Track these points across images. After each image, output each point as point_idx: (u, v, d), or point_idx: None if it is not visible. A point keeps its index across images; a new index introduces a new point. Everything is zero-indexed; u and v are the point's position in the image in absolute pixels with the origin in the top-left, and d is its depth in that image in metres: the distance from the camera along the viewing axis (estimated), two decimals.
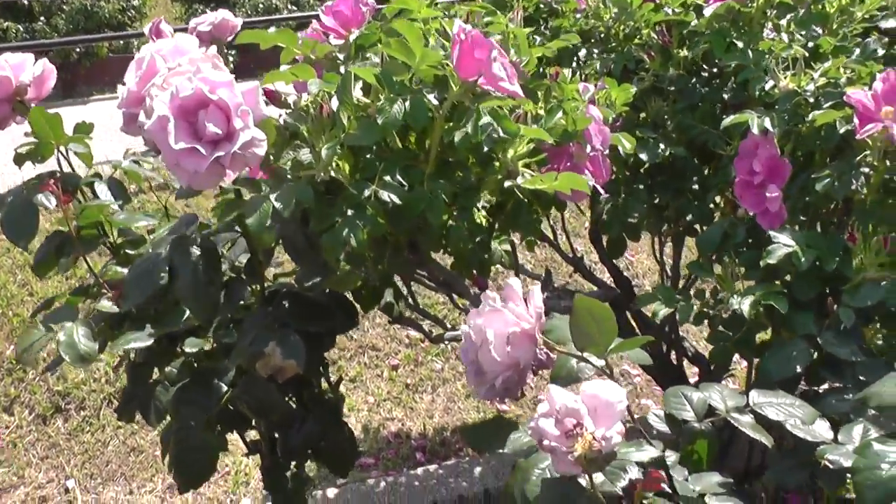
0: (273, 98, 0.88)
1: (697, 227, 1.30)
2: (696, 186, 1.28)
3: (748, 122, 1.03)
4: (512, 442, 0.68)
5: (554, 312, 0.75)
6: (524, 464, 0.66)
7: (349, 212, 0.80)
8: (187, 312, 0.91)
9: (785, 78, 1.09)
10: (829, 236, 0.99)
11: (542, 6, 1.40)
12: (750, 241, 1.09)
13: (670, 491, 0.68)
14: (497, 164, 0.86)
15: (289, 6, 6.09)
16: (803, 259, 0.94)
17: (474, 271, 0.97)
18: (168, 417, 0.99)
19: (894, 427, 0.70)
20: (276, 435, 1.05)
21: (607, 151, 0.97)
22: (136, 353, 1.01)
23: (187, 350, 0.95)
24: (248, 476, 1.93)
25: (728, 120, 1.06)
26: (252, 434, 1.11)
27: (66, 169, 1.01)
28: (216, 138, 0.73)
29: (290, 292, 0.95)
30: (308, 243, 0.82)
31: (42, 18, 5.83)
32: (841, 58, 1.08)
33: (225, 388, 0.94)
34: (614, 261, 1.51)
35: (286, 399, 1.00)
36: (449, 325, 1.33)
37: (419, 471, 1.63)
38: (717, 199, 1.26)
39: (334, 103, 0.81)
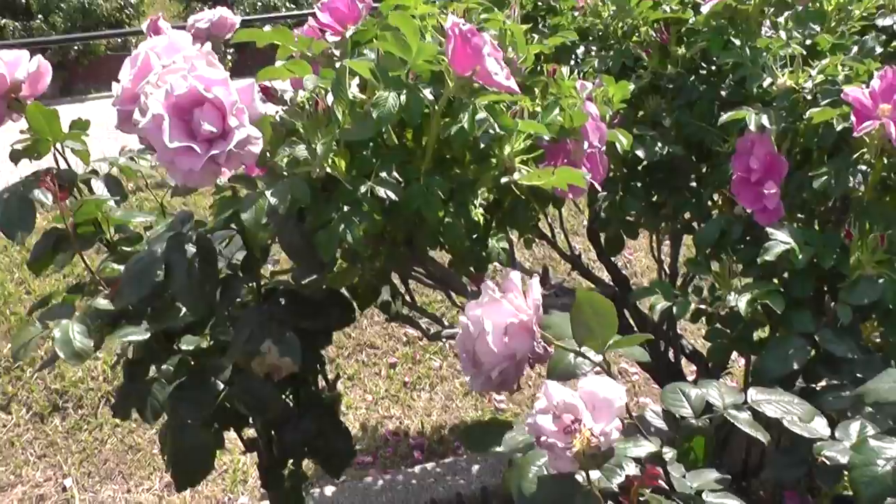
0: (269, 95, 0.87)
1: (695, 224, 1.30)
2: (693, 184, 1.28)
3: (745, 120, 1.04)
4: (508, 439, 0.68)
5: (552, 309, 0.75)
6: (521, 461, 0.66)
7: (345, 208, 0.79)
8: (184, 310, 0.90)
9: (782, 75, 1.09)
10: (827, 233, 0.99)
11: (539, 4, 1.40)
12: (747, 238, 1.09)
13: (667, 488, 0.68)
14: (494, 160, 0.86)
15: (287, 4, 6.09)
16: (800, 256, 0.94)
17: (471, 268, 0.97)
18: (165, 415, 0.99)
19: (891, 424, 0.70)
20: (273, 433, 1.05)
21: (604, 148, 0.97)
22: (132, 351, 1.00)
23: (184, 348, 0.95)
24: (245, 474, 1.93)
25: (725, 117, 1.06)
26: (249, 432, 1.11)
27: (63, 166, 1.00)
28: (211, 136, 0.73)
29: (287, 290, 0.95)
30: (304, 240, 0.81)
31: (39, 16, 5.82)
32: (838, 55, 1.08)
33: (221, 385, 0.94)
34: (612, 259, 1.51)
35: (282, 397, 1.00)
36: (447, 323, 1.33)
37: (417, 469, 1.64)
38: (715, 196, 1.26)
39: (330, 99, 0.81)
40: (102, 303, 0.94)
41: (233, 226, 0.89)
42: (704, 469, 0.72)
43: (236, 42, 1.01)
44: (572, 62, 1.31)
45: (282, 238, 0.84)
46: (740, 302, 0.95)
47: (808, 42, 1.14)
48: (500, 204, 0.95)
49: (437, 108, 0.82)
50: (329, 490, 1.58)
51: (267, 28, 0.92)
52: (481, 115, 0.81)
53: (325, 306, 0.94)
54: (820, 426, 0.72)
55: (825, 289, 1.04)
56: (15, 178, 0.98)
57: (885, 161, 0.98)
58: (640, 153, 1.16)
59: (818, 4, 1.19)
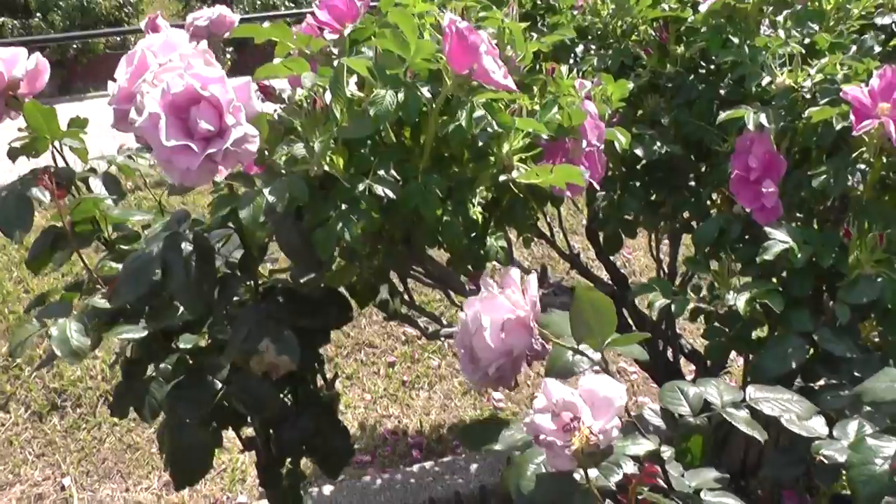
0: (267, 93, 0.87)
1: (694, 223, 1.30)
2: (692, 183, 1.28)
3: (744, 118, 1.03)
4: (506, 438, 0.68)
5: (551, 308, 0.75)
6: (519, 459, 0.66)
7: (343, 206, 0.79)
8: (182, 309, 0.90)
9: (781, 74, 1.09)
10: (826, 233, 0.99)
11: (538, 2, 1.40)
12: (746, 237, 1.09)
13: (666, 486, 0.68)
14: (492, 158, 0.86)
15: (286, 3, 6.08)
16: (799, 255, 0.94)
17: (469, 267, 0.97)
18: (163, 414, 0.99)
19: (888, 422, 0.70)
20: (271, 431, 1.04)
21: (603, 147, 0.97)
22: (130, 350, 1.00)
23: (182, 346, 0.95)
24: (244, 473, 1.93)
25: (723, 115, 1.06)
26: (248, 431, 1.11)
27: (62, 164, 1.00)
28: (208, 135, 0.72)
29: (285, 288, 0.95)
30: (302, 239, 0.81)
31: (38, 14, 5.82)
32: (837, 54, 1.08)
33: (219, 384, 0.94)
34: (611, 258, 1.51)
35: (281, 396, 1.00)
36: (445, 322, 1.33)
37: (415, 468, 1.63)
38: (714, 195, 1.26)
39: (328, 97, 0.81)
40: (100, 301, 0.94)
41: (230, 224, 0.89)
42: (703, 468, 0.72)
43: (236, 41, 1.01)
44: (571, 61, 1.31)
45: (279, 236, 0.84)
46: (739, 301, 0.94)
47: (807, 41, 1.14)
48: (498, 202, 0.95)
49: (434, 106, 0.82)
50: (327, 489, 1.58)
51: (266, 25, 0.92)
52: (479, 113, 0.81)
53: (324, 305, 0.94)
54: (818, 425, 0.72)
55: (824, 288, 1.04)
56: (13, 177, 0.97)
57: (884, 160, 0.98)
58: (638, 152, 1.16)
59: (817, 3, 1.19)
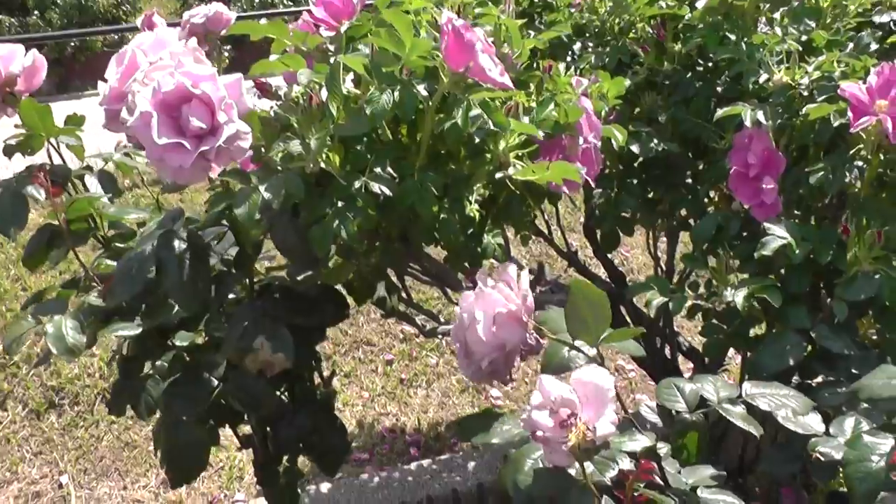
0: (264, 89, 0.87)
1: (691, 221, 1.30)
2: (689, 180, 1.28)
3: (741, 115, 1.03)
4: (503, 433, 0.68)
5: (548, 305, 0.75)
6: (516, 455, 0.66)
7: (339, 203, 0.79)
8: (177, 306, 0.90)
9: (779, 71, 1.08)
10: (824, 229, 0.99)
11: (536, 0, 1.40)
12: (744, 234, 1.09)
13: (662, 483, 0.68)
14: (488, 155, 0.86)
15: (285, 1, 6.08)
16: (797, 251, 0.94)
17: (466, 264, 0.97)
18: (159, 412, 0.99)
19: (885, 419, 0.70)
20: (268, 429, 1.04)
21: (599, 144, 0.96)
22: (127, 347, 1.00)
23: (178, 344, 0.95)
24: (242, 471, 1.92)
25: (721, 112, 1.06)
26: (245, 428, 1.11)
27: (58, 161, 1.00)
28: (200, 132, 0.72)
29: (280, 286, 0.94)
30: (297, 236, 0.81)
31: (36, 12, 5.81)
32: (835, 52, 1.08)
33: (216, 382, 0.94)
34: (609, 256, 1.51)
35: (277, 393, 1.00)
36: (443, 320, 1.32)
37: (413, 466, 1.63)
38: (711, 193, 1.26)
39: (324, 94, 0.80)
40: (96, 299, 0.94)
41: (224, 222, 0.88)
42: (700, 465, 0.72)
43: (234, 38, 1.01)
44: (569, 59, 1.31)
45: (275, 234, 0.84)
46: (737, 297, 0.94)
47: (804, 38, 1.14)
48: (495, 199, 0.95)
49: (431, 103, 0.82)
50: (325, 487, 1.57)
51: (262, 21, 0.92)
52: (475, 111, 0.81)
53: (320, 302, 0.94)
54: (814, 422, 0.72)
55: (821, 285, 1.04)
56: (9, 174, 0.97)
57: (882, 157, 0.98)
58: (635, 149, 1.16)
59: (813, 1, 1.19)
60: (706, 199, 1.25)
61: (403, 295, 1.17)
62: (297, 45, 0.92)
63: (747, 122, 1.02)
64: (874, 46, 1.11)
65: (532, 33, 1.27)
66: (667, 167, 1.25)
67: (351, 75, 0.85)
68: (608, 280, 1.51)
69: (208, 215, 0.84)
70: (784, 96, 1.06)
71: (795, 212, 1.12)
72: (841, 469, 0.67)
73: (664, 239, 1.50)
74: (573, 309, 0.62)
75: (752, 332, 1.05)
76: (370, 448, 2.01)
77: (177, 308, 0.89)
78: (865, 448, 0.64)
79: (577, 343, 0.65)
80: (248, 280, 0.95)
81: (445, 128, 0.81)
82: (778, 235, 0.96)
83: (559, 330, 0.66)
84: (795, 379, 0.96)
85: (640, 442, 0.66)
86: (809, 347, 0.94)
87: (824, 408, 0.78)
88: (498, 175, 0.85)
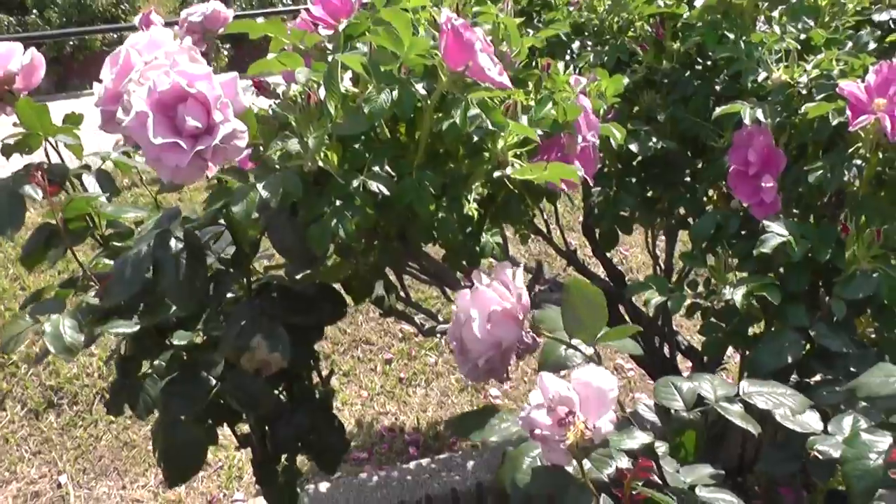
0: (262, 88, 0.87)
1: (690, 220, 1.30)
2: (687, 179, 1.28)
3: (740, 113, 1.03)
4: (501, 431, 0.68)
5: (546, 304, 0.75)
6: (514, 453, 0.66)
7: (337, 202, 0.79)
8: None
9: (777, 70, 1.08)
10: (823, 228, 0.99)
11: None
12: (743, 232, 1.09)
13: (660, 482, 0.68)
14: (487, 154, 0.86)
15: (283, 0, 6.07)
16: (796, 249, 0.94)
17: (465, 263, 0.97)
18: (157, 411, 0.99)
19: (883, 417, 0.70)
20: (267, 428, 1.04)
21: (598, 142, 0.96)
22: (125, 346, 1.00)
23: (176, 343, 0.95)
24: (241, 471, 1.92)
25: (720, 110, 1.06)
26: (244, 427, 1.11)
27: (56, 160, 1.00)
28: (196, 132, 0.72)
29: (278, 285, 0.94)
30: (295, 235, 0.81)
31: (34, 11, 5.80)
32: (833, 50, 1.08)
33: (214, 381, 0.94)
34: (608, 255, 1.51)
35: (275, 392, 1.00)
36: (441, 319, 1.32)
37: (412, 465, 1.63)
38: (710, 191, 1.25)
39: (322, 93, 0.80)
40: (94, 298, 0.94)
41: (221, 221, 0.88)
42: (698, 464, 0.72)
43: (233, 37, 1.01)
44: (568, 57, 1.31)
45: (272, 233, 0.84)
46: (736, 295, 0.94)
47: (803, 37, 1.14)
48: (493, 198, 0.94)
49: (429, 102, 0.81)
50: (324, 486, 1.57)
51: (259, 20, 0.91)
52: (473, 111, 0.81)
53: (317, 301, 0.94)
54: (812, 420, 0.72)
55: (820, 283, 1.04)
56: (7, 174, 0.97)
57: (881, 155, 0.98)
58: (633, 148, 1.16)
59: None
60: (705, 198, 1.25)
61: (402, 294, 1.17)
62: (295, 44, 0.92)
63: (747, 121, 1.02)
64: (873, 45, 1.11)
65: (531, 32, 1.27)
66: (665, 165, 1.25)
67: (349, 74, 0.85)
68: (607, 279, 1.51)
69: (205, 214, 0.84)
70: (783, 95, 1.06)
71: (794, 210, 1.11)
72: (839, 467, 0.67)
73: (663, 237, 1.50)
74: (569, 307, 0.62)
75: (750, 331, 1.05)
76: (369, 447, 2.01)
77: (175, 307, 0.89)
78: (863, 446, 0.64)
79: (574, 341, 0.65)
80: (245, 279, 0.95)
81: (444, 127, 0.81)
82: (777, 233, 0.96)
83: (556, 328, 0.66)
84: (794, 377, 0.96)
85: (638, 440, 0.66)
86: (808, 346, 0.94)
87: (823, 406, 0.78)
88: (496, 174, 0.85)
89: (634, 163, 1.27)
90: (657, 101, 1.24)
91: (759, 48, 1.11)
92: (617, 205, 1.25)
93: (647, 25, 1.28)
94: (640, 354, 0.80)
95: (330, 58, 0.86)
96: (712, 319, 1.07)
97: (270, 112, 0.85)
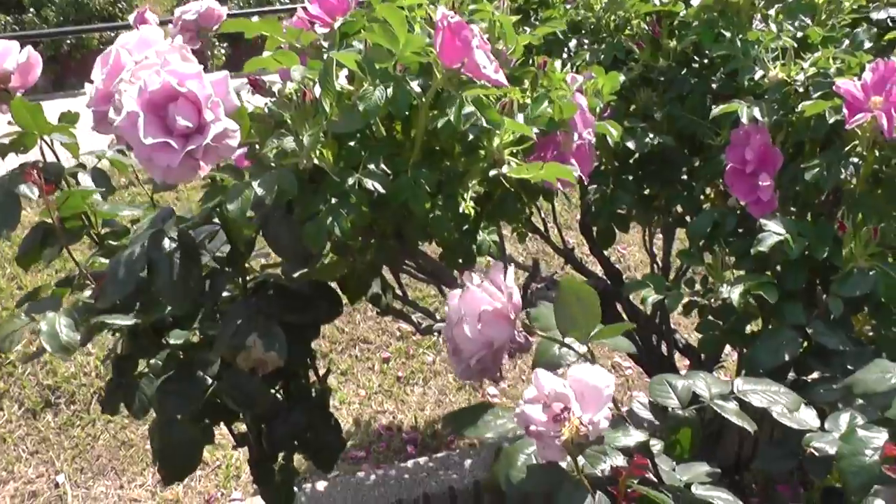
0: (258, 86, 0.87)
1: (687, 218, 1.30)
2: (685, 177, 1.28)
3: (737, 112, 1.03)
4: (497, 427, 0.68)
5: (542, 301, 0.75)
6: (509, 449, 0.66)
7: (333, 200, 0.79)
8: None
9: (774, 68, 1.08)
10: (820, 226, 0.99)
11: None
12: (740, 230, 1.09)
13: (655, 479, 0.68)
14: (482, 152, 0.86)
15: None
16: (794, 247, 0.94)
17: (461, 261, 0.97)
18: (153, 410, 0.99)
19: (879, 414, 0.70)
20: (263, 427, 1.04)
21: (594, 140, 0.96)
22: (121, 346, 1.00)
23: (172, 342, 0.94)
24: (238, 470, 1.92)
25: (717, 109, 1.06)
26: (241, 427, 1.11)
27: (52, 159, 1.00)
28: (187, 131, 0.72)
29: (274, 283, 0.94)
30: (290, 234, 0.81)
31: (31, 10, 5.79)
32: (830, 48, 1.08)
33: (210, 379, 0.93)
34: (605, 253, 1.51)
35: (272, 391, 1.00)
36: (439, 318, 1.32)
37: (409, 463, 1.63)
38: (707, 189, 1.25)
39: (317, 90, 0.80)
40: (90, 297, 0.93)
41: (215, 220, 0.88)
42: (694, 462, 0.72)
43: (230, 36, 1.01)
44: (564, 56, 1.31)
45: (267, 232, 0.83)
46: (733, 293, 0.94)
47: (799, 35, 1.14)
48: (489, 196, 0.94)
49: (424, 100, 0.81)
50: (321, 485, 1.57)
51: (255, 19, 0.91)
52: (468, 109, 0.81)
53: (314, 300, 0.94)
54: (809, 417, 0.72)
55: (817, 281, 1.04)
56: (2, 172, 0.97)
57: (877, 153, 0.98)
58: (630, 145, 1.16)
59: None
60: (702, 196, 1.25)
61: (399, 292, 1.17)
62: (291, 42, 0.92)
63: (744, 119, 1.02)
64: (869, 43, 1.11)
65: (527, 30, 1.26)
66: (662, 163, 1.25)
67: (345, 72, 0.85)
68: (604, 277, 1.51)
69: (199, 212, 0.84)
70: (779, 93, 1.06)
71: (791, 208, 1.11)
72: (836, 463, 0.67)
73: (660, 235, 1.50)
74: (562, 306, 0.62)
75: (748, 329, 1.05)
76: (367, 446, 2.01)
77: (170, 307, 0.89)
78: (859, 442, 0.64)
79: (568, 340, 0.65)
80: (241, 278, 0.95)
81: (439, 124, 0.81)
82: (774, 232, 0.96)
83: (550, 327, 0.66)
84: (791, 375, 0.96)
85: (633, 437, 0.66)
86: (805, 344, 0.94)
87: (820, 403, 0.78)
88: (492, 172, 0.85)
89: (631, 160, 1.27)
90: (654, 99, 1.24)
91: (756, 46, 1.11)
92: (614, 203, 1.25)
93: (643, 23, 1.28)
94: (638, 353, 0.80)
95: (325, 56, 0.86)
96: (709, 317, 1.07)
97: (266, 110, 0.85)
